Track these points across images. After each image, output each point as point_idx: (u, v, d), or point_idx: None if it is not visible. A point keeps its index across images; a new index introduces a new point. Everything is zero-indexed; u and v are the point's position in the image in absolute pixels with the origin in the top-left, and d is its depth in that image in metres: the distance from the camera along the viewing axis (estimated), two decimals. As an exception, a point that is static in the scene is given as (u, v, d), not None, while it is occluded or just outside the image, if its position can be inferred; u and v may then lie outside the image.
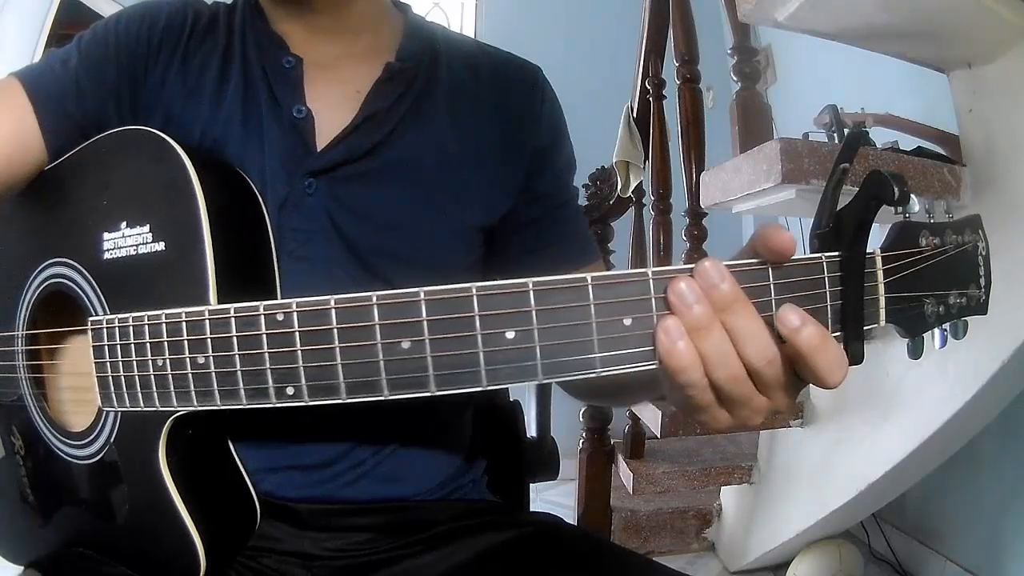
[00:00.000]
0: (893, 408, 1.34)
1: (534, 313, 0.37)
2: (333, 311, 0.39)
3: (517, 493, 0.85)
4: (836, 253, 0.39)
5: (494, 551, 0.61)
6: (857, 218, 0.38)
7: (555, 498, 2.18)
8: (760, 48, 2.20)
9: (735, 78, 1.68)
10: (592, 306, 0.37)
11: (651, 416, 1.57)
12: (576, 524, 1.79)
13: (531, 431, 0.96)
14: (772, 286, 0.38)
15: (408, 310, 0.38)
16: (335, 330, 0.39)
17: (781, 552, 1.69)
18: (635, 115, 1.95)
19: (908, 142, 1.34)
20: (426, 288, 0.38)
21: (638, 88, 1.94)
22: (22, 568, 0.59)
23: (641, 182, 1.92)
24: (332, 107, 0.60)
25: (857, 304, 0.38)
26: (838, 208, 0.39)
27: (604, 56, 2.70)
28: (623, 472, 1.81)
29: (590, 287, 0.37)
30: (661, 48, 1.87)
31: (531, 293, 0.37)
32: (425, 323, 0.38)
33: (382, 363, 0.39)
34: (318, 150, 0.59)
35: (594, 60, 2.78)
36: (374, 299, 0.39)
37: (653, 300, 0.37)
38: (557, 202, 0.68)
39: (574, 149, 0.71)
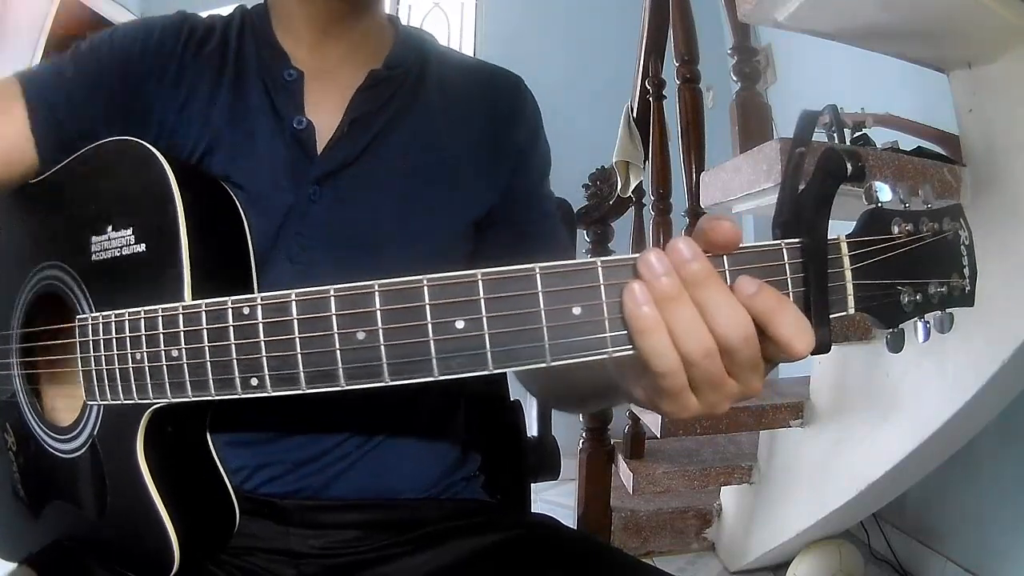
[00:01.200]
0: (893, 408, 1.34)
1: (483, 302, 0.37)
2: (293, 303, 0.41)
3: (517, 493, 0.85)
4: (797, 239, 0.38)
5: (484, 552, 0.61)
6: (815, 199, 0.37)
7: (555, 498, 2.18)
8: (760, 48, 2.19)
9: (735, 78, 1.68)
10: (540, 295, 0.37)
11: (651, 416, 1.57)
12: (576, 524, 1.80)
13: (532, 431, 0.96)
14: (728, 273, 0.37)
15: (362, 301, 0.39)
16: (295, 321, 0.41)
17: (781, 552, 1.69)
18: (635, 115, 1.95)
19: (908, 142, 1.34)
20: (380, 280, 0.39)
21: (638, 88, 1.95)
22: (15, 565, 0.60)
23: (641, 182, 1.93)
24: (327, 114, 0.62)
25: (820, 289, 0.37)
26: (797, 194, 0.38)
27: (604, 56, 2.70)
28: (623, 472, 1.81)
29: (538, 276, 0.37)
30: (661, 48, 1.88)
31: (480, 283, 0.37)
32: (378, 313, 0.39)
33: (338, 353, 0.40)
34: (318, 156, 0.61)
35: (594, 60, 2.78)
36: (331, 291, 0.40)
37: (603, 288, 0.37)
38: (532, 201, 0.70)
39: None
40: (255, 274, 0.56)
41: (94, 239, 0.53)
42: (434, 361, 0.38)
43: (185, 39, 0.63)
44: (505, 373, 0.73)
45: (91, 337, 0.50)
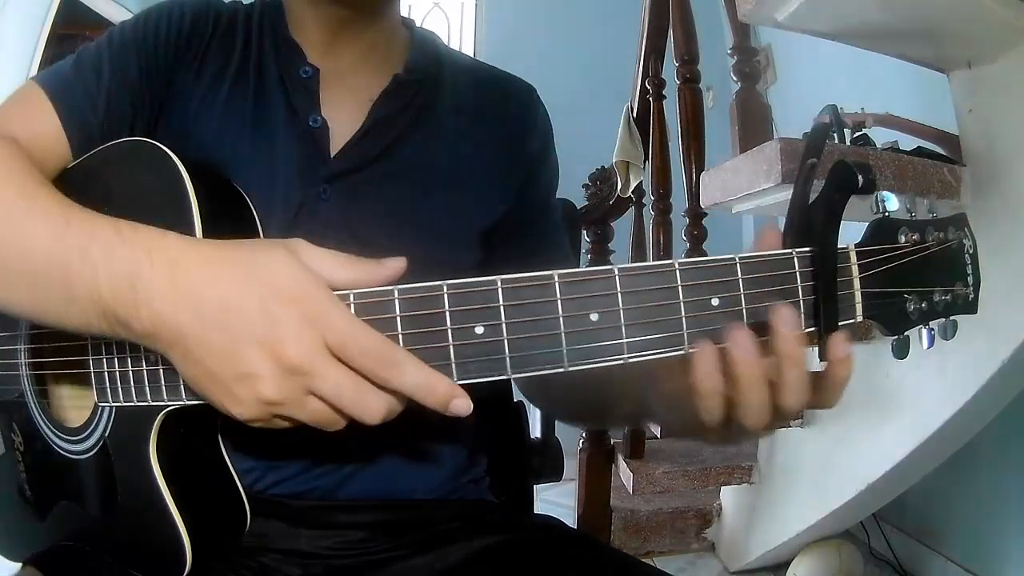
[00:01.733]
0: (893, 408, 1.34)
1: (502, 309, 0.38)
2: None
3: (521, 494, 0.85)
4: (807, 248, 0.39)
5: (490, 553, 0.61)
6: (825, 210, 0.38)
7: (555, 498, 2.18)
8: (760, 48, 2.19)
9: (735, 78, 1.68)
10: (559, 302, 0.38)
11: (651, 416, 1.57)
12: (576, 524, 1.80)
13: (535, 432, 0.96)
14: (740, 281, 0.38)
15: (383, 307, 0.39)
16: None
17: (781, 552, 1.69)
18: (635, 115, 1.95)
19: (908, 142, 1.34)
20: (399, 286, 0.39)
21: (638, 88, 1.95)
22: (20, 565, 0.59)
23: (641, 182, 1.93)
24: (344, 115, 0.62)
25: (830, 297, 0.38)
26: (808, 204, 0.39)
27: (604, 56, 2.70)
28: (623, 472, 1.81)
29: (557, 284, 0.38)
30: (661, 48, 1.88)
31: (499, 289, 0.38)
32: (399, 319, 0.39)
33: None
34: (332, 157, 0.61)
35: (594, 60, 2.78)
36: (351, 297, 0.40)
37: (619, 295, 0.38)
38: (541, 213, 0.70)
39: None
40: None
41: None
42: (453, 366, 0.39)
43: (212, 28, 0.63)
44: None
45: (104, 340, 0.49)
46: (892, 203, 0.39)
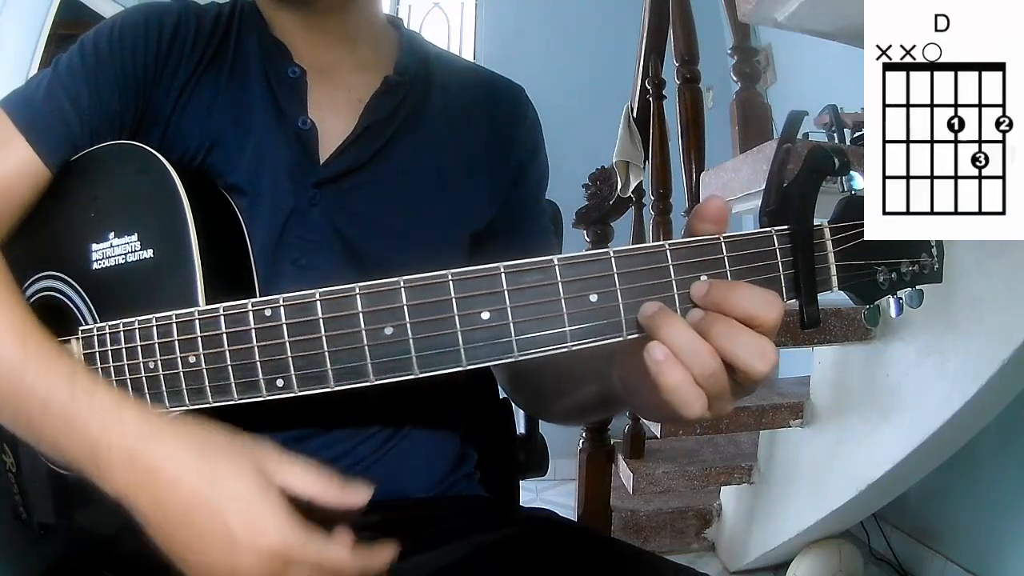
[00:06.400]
0: (893, 408, 1.34)
1: (506, 294, 0.40)
2: (318, 303, 0.42)
3: (508, 490, 0.86)
4: (785, 227, 0.41)
5: (493, 547, 0.61)
6: (802, 191, 0.41)
7: (555, 498, 2.18)
8: (760, 48, 2.20)
9: (735, 78, 1.68)
10: (560, 284, 0.40)
11: (651, 416, 1.57)
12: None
13: (519, 428, 0.96)
14: (726, 259, 0.41)
15: (389, 297, 0.41)
16: (320, 320, 0.42)
17: (781, 552, 1.69)
18: (635, 115, 1.95)
19: (908, 142, 1.34)
20: (405, 276, 0.41)
21: (638, 88, 1.95)
22: None
23: (641, 182, 1.93)
24: (334, 116, 0.61)
25: (808, 270, 0.41)
26: (784, 186, 0.42)
27: (604, 56, 2.71)
28: (623, 472, 1.81)
29: (557, 267, 0.40)
30: (661, 48, 1.88)
31: (503, 275, 0.40)
32: (406, 308, 0.41)
33: (367, 349, 0.41)
34: (322, 161, 0.60)
35: (594, 60, 2.79)
36: (356, 289, 0.41)
37: (616, 276, 0.40)
38: (530, 213, 0.70)
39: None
40: (258, 277, 0.55)
41: (94, 246, 0.52)
42: (462, 351, 0.40)
43: (193, 32, 0.60)
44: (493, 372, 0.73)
45: (97, 348, 0.49)
46: (857, 182, 0.42)
